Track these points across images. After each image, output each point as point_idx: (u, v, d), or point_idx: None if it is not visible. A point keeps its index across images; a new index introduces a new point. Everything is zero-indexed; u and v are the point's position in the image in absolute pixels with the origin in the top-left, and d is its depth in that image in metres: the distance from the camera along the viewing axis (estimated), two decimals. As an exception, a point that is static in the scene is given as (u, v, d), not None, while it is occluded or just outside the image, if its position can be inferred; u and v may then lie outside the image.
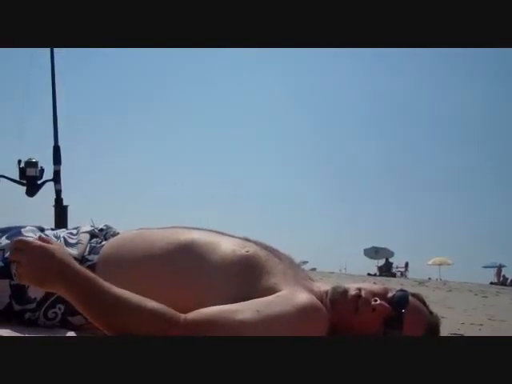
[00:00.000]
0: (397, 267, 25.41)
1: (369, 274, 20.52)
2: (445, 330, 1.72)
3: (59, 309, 1.58)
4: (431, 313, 1.59)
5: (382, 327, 1.48)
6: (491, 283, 21.23)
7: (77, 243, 1.67)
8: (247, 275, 1.52)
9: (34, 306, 1.59)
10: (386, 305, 1.50)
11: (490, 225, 39.89)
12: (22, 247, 1.38)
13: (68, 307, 1.55)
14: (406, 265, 25.37)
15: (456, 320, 5.01)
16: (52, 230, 1.77)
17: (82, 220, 1.90)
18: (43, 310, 1.59)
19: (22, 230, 1.69)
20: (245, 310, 1.38)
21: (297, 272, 1.62)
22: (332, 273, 14.53)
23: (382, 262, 25.82)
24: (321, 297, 1.53)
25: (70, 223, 3.69)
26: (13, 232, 1.67)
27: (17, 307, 1.60)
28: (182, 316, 1.34)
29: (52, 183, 3.76)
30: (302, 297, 1.45)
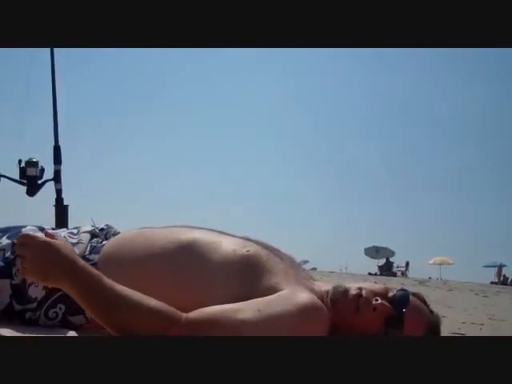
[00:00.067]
0: (397, 267, 25.35)
1: (369, 274, 20.47)
2: (445, 330, 1.72)
3: (60, 308, 1.58)
4: (432, 312, 1.59)
5: (383, 327, 1.48)
6: (492, 283, 21.20)
7: (77, 243, 1.67)
8: (248, 275, 1.52)
9: (34, 305, 1.59)
10: (387, 304, 1.50)
11: (491, 224, 39.91)
12: (27, 242, 1.37)
13: (69, 307, 1.55)
14: (407, 264, 25.30)
15: (456, 319, 5.00)
16: (52, 229, 1.77)
17: (82, 220, 1.91)
18: (44, 309, 1.59)
19: (23, 229, 1.69)
20: (246, 309, 1.38)
21: (298, 271, 1.61)
22: (333, 272, 14.49)
23: (382, 261, 25.76)
24: (322, 296, 1.53)
25: (71, 223, 3.70)
26: (13, 232, 1.67)
27: (17, 307, 1.60)
28: (184, 315, 1.34)
29: (52, 183, 3.78)
30: (303, 296, 1.45)
